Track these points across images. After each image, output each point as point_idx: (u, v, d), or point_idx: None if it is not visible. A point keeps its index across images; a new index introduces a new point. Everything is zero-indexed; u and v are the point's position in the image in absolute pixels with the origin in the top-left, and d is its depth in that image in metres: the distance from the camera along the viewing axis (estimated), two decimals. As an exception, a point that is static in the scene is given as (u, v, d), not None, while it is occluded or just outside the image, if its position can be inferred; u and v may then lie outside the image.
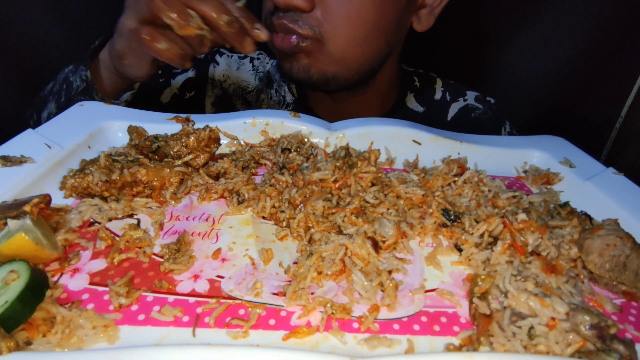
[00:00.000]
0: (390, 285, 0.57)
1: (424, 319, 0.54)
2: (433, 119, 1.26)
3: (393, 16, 1.01)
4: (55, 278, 0.56)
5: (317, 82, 1.06)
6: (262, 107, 1.29)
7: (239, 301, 0.54)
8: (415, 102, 1.28)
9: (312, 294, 0.56)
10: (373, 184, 0.76)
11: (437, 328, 0.53)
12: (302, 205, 0.70)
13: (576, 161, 0.91)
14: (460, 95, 1.29)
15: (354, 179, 0.74)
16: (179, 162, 0.78)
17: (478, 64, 1.51)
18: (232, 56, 1.31)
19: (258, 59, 1.32)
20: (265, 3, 1.03)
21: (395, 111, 1.23)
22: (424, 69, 1.33)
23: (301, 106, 1.10)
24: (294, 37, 0.97)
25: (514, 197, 0.73)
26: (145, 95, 1.00)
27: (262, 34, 0.77)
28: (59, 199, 0.69)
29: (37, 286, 0.50)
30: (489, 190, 0.76)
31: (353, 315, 0.53)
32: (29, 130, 0.79)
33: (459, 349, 0.51)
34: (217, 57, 1.30)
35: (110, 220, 0.68)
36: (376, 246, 0.63)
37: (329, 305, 0.53)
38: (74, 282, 0.56)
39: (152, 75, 0.91)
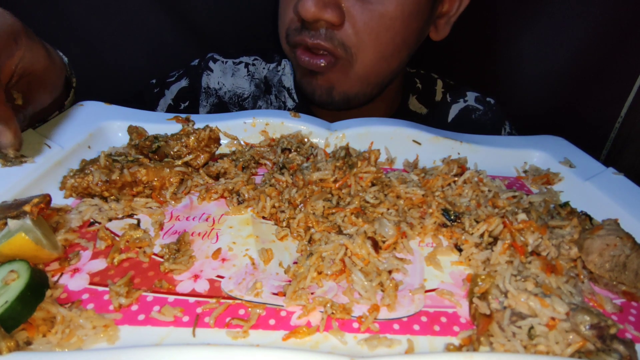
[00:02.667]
0: (390, 285, 0.57)
1: (424, 319, 0.54)
2: (434, 120, 1.26)
3: (417, 29, 1.00)
4: (55, 278, 0.56)
5: (339, 103, 1.04)
6: None
7: (239, 301, 0.54)
8: (417, 104, 1.28)
9: (312, 294, 0.56)
10: (373, 184, 0.76)
11: (437, 328, 0.53)
12: (302, 205, 0.70)
13: (576, 161, 0.91)
14: (461, 96, 1.29)
15: (354, 179, 0.74)
16: (179, 162, 0.78)
17: (478, 64, 1.51)
18: (226, 62, 1.29)
19: (253, 64, 1.30)
20: (285, 16, 0.99)
21: (399, 115, 1.23)
22: (425, 69, 1.33)
23: (303, 112, 1.10)
24: (322, 60, 0.95)
25: (514, 197, 0.73)
26: (140, 106, 0.99)
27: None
28: (59, 199, 0.69)
29: (37, 286, 0.50)
30: (489, 190, 0.76)
31: (353, 315, 0.53)
32: (29, 130, 0.79)
33: (459, 349, 0.51)
34: (211, 64, 1.28)
35: (110, 220, 0.67)
36: (376, 246, 0.63)
37: (329, 305, 0.53)
38: (74, 282, 0.56)
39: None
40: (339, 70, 0.98)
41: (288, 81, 1.27)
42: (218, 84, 1.28)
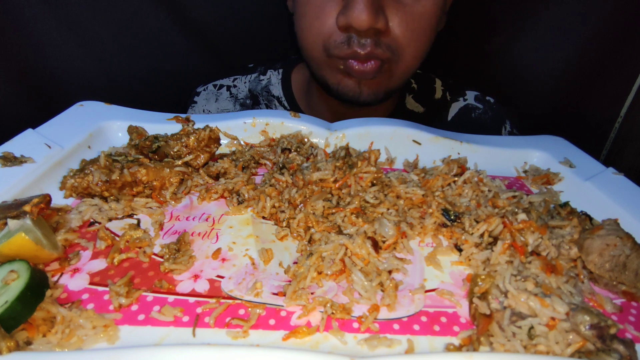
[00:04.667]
0: (390, 285, 0.57)
1: (424, 319, 0.54)
2: (433, 119, 1.26)
3: (438, 23, 1.04)
4: (55, 278, 0.56)
5: (382, 99, 1.06)
6: None
7: (239, 301, 0.54)
8: (414, 103, 1.28)
9: (312, 294, 0.56)
10: (373, 184, 0.76)
11: (437, 328, 0.53)
12: (302, 205, 0.70)
13: (576, 161, 0.91)
14: (460, 94, 1.30)
15: (354, 179, 0.74)
16: (179, 162, 0.78)
17: (478, 64, 1.51)
18: (207, 88, 1.31)
19: (235, 86, 1.31)
20: (320, 28, 0.97)
21: (396, 113, 1.23)
22: (423, 70, 1.33)
23: None
24: (370, 63, 0.96)
25: (514, 197, 0.73)
26: None
27: None
28: (59, 199, 0.69)
29: (37, 286, 0.50)
30: (489, 190, 0.76)
31: (353, 315, 0.53)
32: (29, 130, 0.79)
33: (459, 349, 0.51)
34: (195, 98, 1.31)
35: (110, 220, 0.68)
36: (376, 246, 0.63)
37: (329, 305, 0.53)
38: (74, 282, 0.56)
39: None
40: (386, 70, 1.00)
41: (276, 90, 1.28)
42: (204, 111, 1.30)
